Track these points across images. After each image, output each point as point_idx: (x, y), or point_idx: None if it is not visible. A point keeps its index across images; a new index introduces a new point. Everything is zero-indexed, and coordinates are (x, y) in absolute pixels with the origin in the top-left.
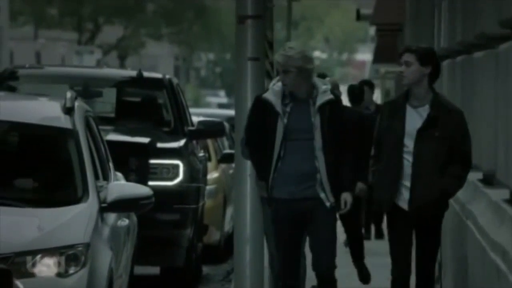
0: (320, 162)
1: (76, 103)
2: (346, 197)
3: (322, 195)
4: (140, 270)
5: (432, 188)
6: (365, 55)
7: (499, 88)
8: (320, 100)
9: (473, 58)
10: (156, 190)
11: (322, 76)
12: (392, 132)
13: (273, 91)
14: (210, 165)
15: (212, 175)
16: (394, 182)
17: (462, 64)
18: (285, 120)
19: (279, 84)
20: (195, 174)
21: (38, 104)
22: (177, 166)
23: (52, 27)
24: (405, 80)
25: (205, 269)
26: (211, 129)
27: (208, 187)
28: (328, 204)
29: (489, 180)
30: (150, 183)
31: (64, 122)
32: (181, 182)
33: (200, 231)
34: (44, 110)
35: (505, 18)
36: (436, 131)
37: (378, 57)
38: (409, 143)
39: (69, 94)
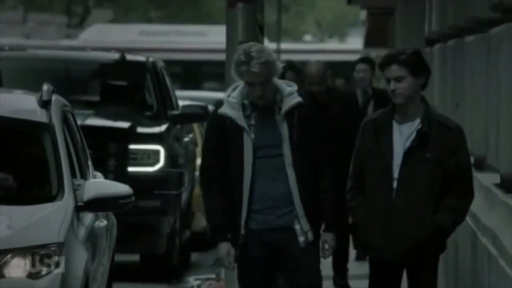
0: (292, 182)
1: (53, 97)
2: (327, 239)
3: (297, 226)
4: (119, 257)
5: (425, 225)
6: (355, 39)
7: (490, 73)
8: (286, 105)
9: (464, 42)
10: (136, 176)
11: (292, 66)
12: (378, 158)
13: (230, 103)
14: (198, 150)
15: (199, 161)
16: (387, 222)
17: (453, 48)
18: (252, 135)
19: (234, 94)
20: (177, 160)
21: (13, 96)
22: (157, 152)
23: (41, 11)
24: (400, 98)
25: (194, 256)
26: (195, 113)
27: (196, 173)
28: (302, 239)
29: (479, 165)
30: (130, 169)
31: (39, 115)
32: (162, 168)
33: (187, 218)
34: (19, 103)
35: (496, 2)
36: (428, 152)
37: (369, 41)
38: (396, 169)
39: (45, 87)
